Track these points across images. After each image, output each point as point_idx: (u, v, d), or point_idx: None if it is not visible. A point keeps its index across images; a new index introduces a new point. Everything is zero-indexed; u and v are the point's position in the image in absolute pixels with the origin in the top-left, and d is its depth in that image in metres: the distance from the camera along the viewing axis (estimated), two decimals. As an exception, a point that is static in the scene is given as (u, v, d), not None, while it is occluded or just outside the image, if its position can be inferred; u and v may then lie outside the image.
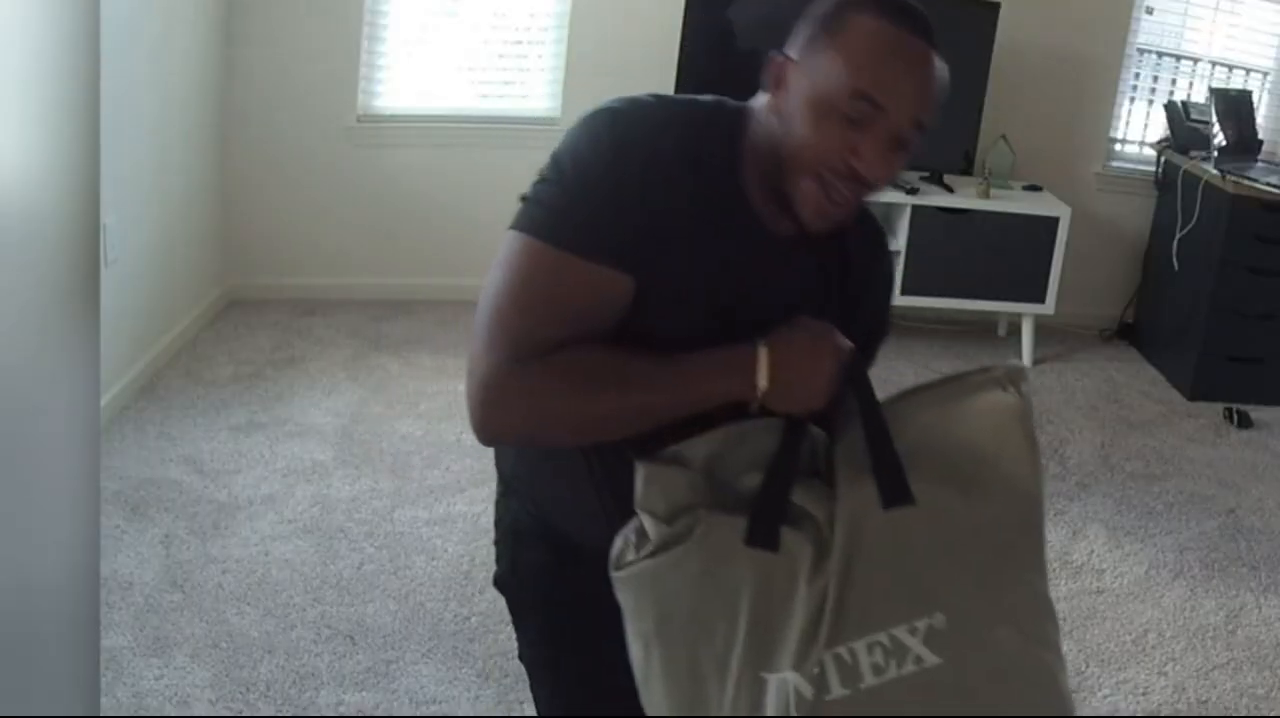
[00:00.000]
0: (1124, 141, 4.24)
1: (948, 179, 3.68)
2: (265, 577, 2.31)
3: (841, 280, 1.26)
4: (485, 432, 1.18)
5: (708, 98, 1.28)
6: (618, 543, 1.13)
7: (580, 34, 3.80)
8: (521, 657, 1.39)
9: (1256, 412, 3.54)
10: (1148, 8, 4.07)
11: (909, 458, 1.10)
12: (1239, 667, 2.27)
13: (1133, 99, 4.21)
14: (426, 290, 3.98)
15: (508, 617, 2.30)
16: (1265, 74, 4.22)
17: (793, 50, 1.17)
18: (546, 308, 1.14)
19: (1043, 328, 3.90)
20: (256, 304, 3.82)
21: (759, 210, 1.19)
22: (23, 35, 1.10)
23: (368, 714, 1.95)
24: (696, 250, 1.17)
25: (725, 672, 1.08)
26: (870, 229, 1.30)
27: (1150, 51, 4.17)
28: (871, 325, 1.30)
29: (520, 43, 3.90)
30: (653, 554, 1.11)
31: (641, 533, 1.12)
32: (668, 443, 1.14)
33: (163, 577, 2.28)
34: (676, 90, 3.57)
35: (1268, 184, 3.49)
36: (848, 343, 1.14)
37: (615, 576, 1.14)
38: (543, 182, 1.19)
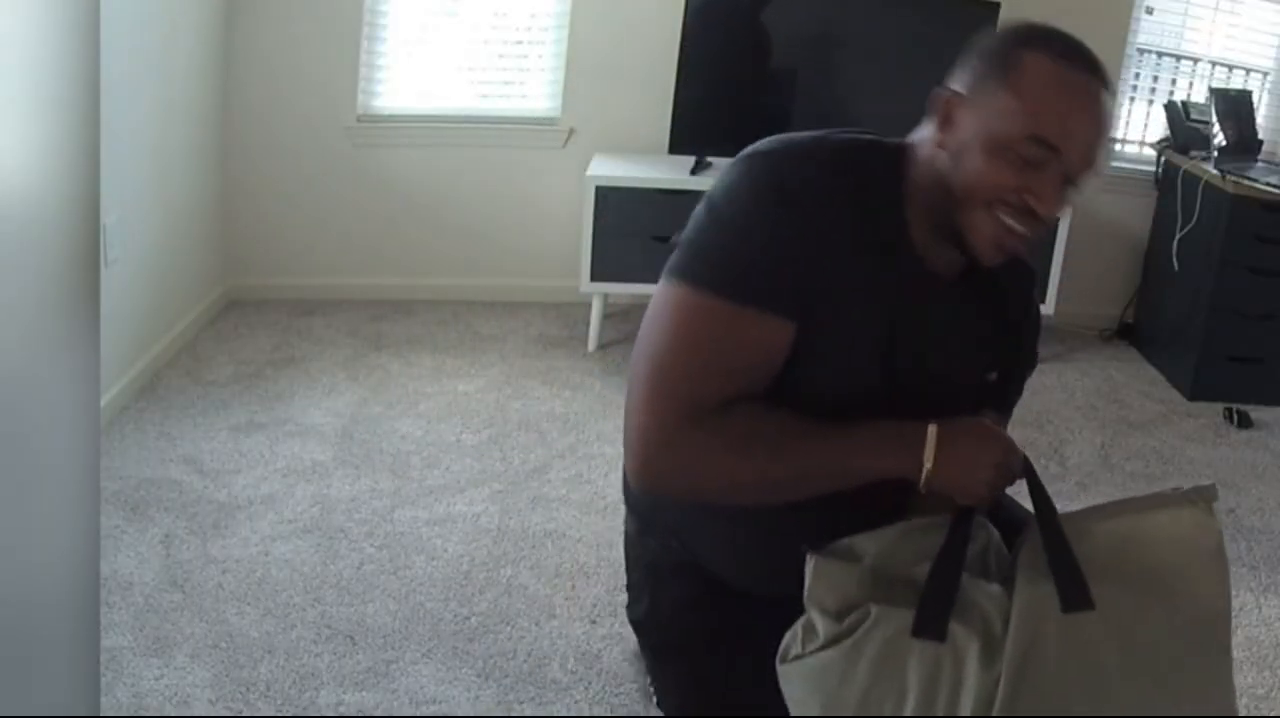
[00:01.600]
0: (1124, 141, 4.24)
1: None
2: (265, 577, 2.31)
3: (998, 318, 1.26)
4: (643, 484, 1.18)
5: (863, 134, 1.25)
6: (786, 638, 1.14)
7: (580, 34, 3.80)
8: (661, 703, 1.37)
9: (1256, 412, 3.54)
10: (1148, 8, 4.07)
11: (1091, 564, 1.09)
12: (1239, 667, 2.27)
13: (1133, 99, 4.21)
14: (426, 290, 3.98)
15: (508, 617, 2.31)
16: (1265, 74, 4.22)
17: (960, 85, 1.17)
18: (711, 362, 1.13)
19: (1042, 328, 3.90)
20: (256, 304, 3.82)
21: (921, 250, 1.20)
22: (23, 35, 1.10)
23: (368, 714, 1.95)
24: (861, 294, 1.16)
25: None
26: (1020, 265, 1.31)
27: (1150, 51, 4.17)
28: (1022, 359, 1.32)
29: (520, 43, 3.90)
30: (821, 649, 1.10)
31: (810, 627, 1.12)
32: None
33: (163, 577, 2.28)
34: (676, 91, 3.57)
35: (1268, 184, 3.49)
36: (1020, 456, 1.15)
37: (781, 668, 1.14)
38: (699, 228, 1.16)
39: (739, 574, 1.28)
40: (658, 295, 1.17)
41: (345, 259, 3.95)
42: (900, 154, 1.22)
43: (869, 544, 1.13)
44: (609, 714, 2.00)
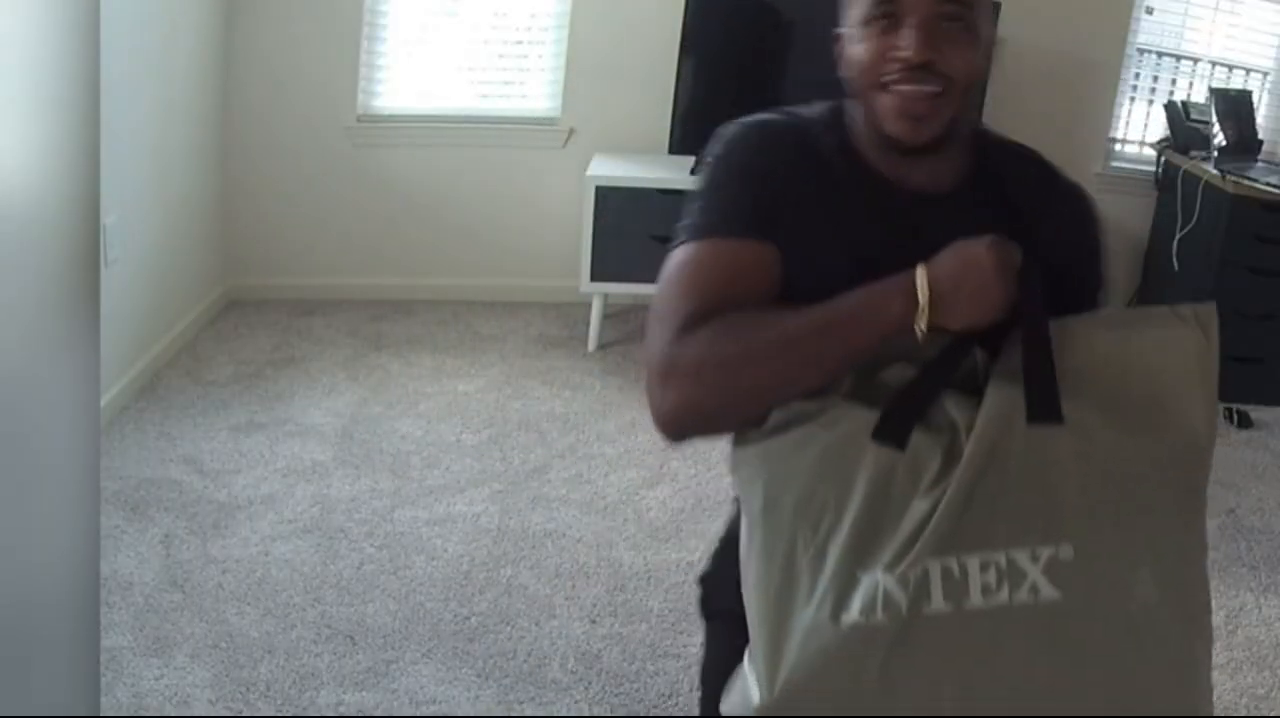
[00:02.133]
0: (1124, 141, 4.24)
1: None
2: (265, 577, 2.31)
3: (1012, 229, 1.16)
4: (663, 418, 1.16)
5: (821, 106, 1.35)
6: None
7: (580, 34, 3.80)
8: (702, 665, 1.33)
9: (1256, 412, 3.54)
10: (1148, 8, 4.07)
11: (1069, 378, 1.03)
12: (1239, 667, 2.27)
13: (1133, 99, 4.21)
14: (426, 290, 3.98)
15: (508, 617, 2.32)
16: (1265, 74, 4.22)
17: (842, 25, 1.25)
18: (705, 289, 1.16)
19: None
20: (256, 304, 3.82)
21: (887, 173, 1.22)
22: (23, 35, 1.10)
23: (368, 714, 1.95)
24: (834, 218, 1.19)
25: (820, 564, 1.01)
26: (1041, 175, 1.29)
27: (1150, 51, 4.17)
28: (1074, 274, 1.22)
29: (520, 43, 3.90)
30: (774, 433, 1.07)
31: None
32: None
33: (163, 577, 2.28)
34: (676, 91, 3.58)
35: (1268, 184, 3.49)
36: (1016, 251, 1.08)
37: (734, 452, 1.10)
38: (696, 194, 1.26)
39: None
40: (670, 255, 1.24)
41: (345, 259, 3.95)
42: (837, 103, 1.31)
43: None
44: (609, 714, 2.00)
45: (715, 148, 1.29)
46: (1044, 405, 1.01)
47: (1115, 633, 0.98)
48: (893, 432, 1.02)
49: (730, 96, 3.72)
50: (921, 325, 1.05)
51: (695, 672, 2.12)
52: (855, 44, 1.20)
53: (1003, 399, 1.01)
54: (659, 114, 3.63)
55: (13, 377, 1.14)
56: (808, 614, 1.01)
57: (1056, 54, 3.94)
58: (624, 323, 3.88)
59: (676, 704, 2.03)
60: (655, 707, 2.03)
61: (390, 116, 3.86)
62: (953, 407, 1.03)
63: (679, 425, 1.16)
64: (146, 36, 3.06)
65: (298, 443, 2.89)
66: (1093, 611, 0.98)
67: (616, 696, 2.04)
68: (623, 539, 2.55)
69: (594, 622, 2.24)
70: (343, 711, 1.95)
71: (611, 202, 3.50)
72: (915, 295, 1.06)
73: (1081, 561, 0.98)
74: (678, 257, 1.19)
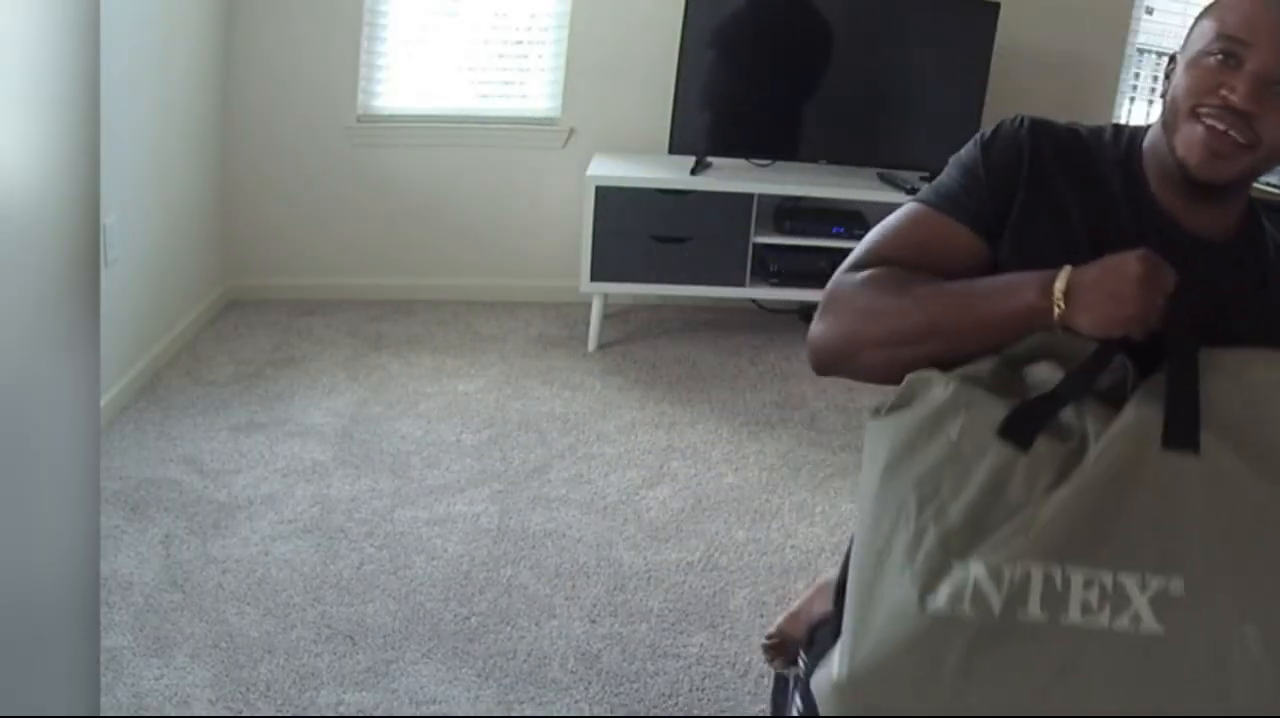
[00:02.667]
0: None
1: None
2: (265, 577, 2.31)
3: (1259, 288, 1.19)
4: (812, 342, 1.22)
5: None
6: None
7: (580, 34, 3.80)
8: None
9: None
10: (1148, 8, 4.07)
11: (1214, 410, 0.99)
12: None
13: (1133, 99, 4.21)
14: (426, 290, 3.98)
15: (508, 617, 2.32)
16: (1265, 74, 4.22)
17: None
18: (893, 241, 1.23)
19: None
20: (256, 304, 3.82)
21: (1170, 209, 1.20)
22: (23, 35, 1.10)
23: (368, 714, 1.95)
24: (1098, 231, 1.17)
25: (920, 542, 0.99)
26: None
27: (1150, 51, 4.17)
28: None
29: (520, 43, 3.90)
30: (909, 406, 1.06)
31: (906, 390, 1.09)
32: None
33: (163, 577, 2.28)
34: (676, 91, 3.57)
35: (1268, 184, 3.49)
36: (1172, 273, 1.04)
37: (869, 423, 1.09)
38: (947, 166, 1.28)
39: None
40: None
41: (345, 259, 3.94)
42: (1139, 130, 1.28)
43: (1020, 343, 1.10)
44: (609, 714, 2.00)
45: (985, 130, 1.27)
46: (1181, 431, 0.97)
47: (1210, 682, 0.94)
48: (1019, 431, 1.00)
49: (731, 96, 3.72)
50: (1055, 318, 1.04)
51: (695, 672, 2.12)
52: (1187, 71, 1.18)
53: (1140, 417, 0.98)
54: (659, 114, 3.63)
55: (13, 377, 1.14)
56: (897, 590, 0.99)
57: (1056, 54, 3.94)
58: (624, 323, 3.89)
59: (676, 704, 2.03)
60: (655, 707, 2.03)
61: (390, 116, 3.86)
62: (1090, 417, 1.00)
63: (818, 355, 1.23)
64: (146, 36, 3.06)
65: (298, 443, 2.89)
66: (1192, 653, 0.93)
67: (616, 696, 2.04)
68: (623, 539, 2.55)
69: (594, 622, 2.24)
70: (343, 711, 1.95)
71: (611, 201, 3.50)
72: (1053, 287, 1.05)
73: (1191, 598, 0.94)
74: (900, 211, 1.26)
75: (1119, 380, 1.05)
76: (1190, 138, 1.14)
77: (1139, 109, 4.24)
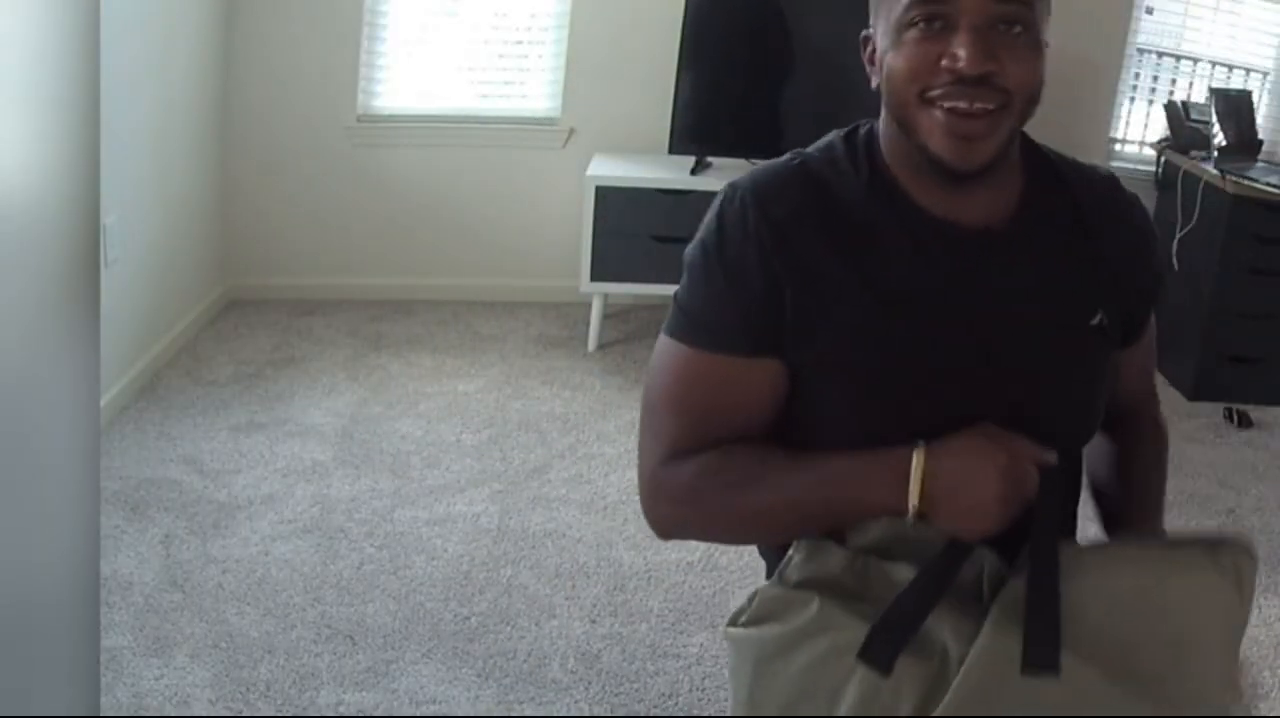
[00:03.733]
0: (1124, 141, 4.24)
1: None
2: (265, 577, 2.31)
3: (1080, 256, 1.10)
4: (653, 527, 1.17)
5: (837, 132, 1.16)
6: (746, 599, 1.05)
7: (580, 34, 3.80)
8: None
9: (1256, 412, 3.54)
10: (1148, 8, 4.07)
11: (1076, 624, 0.93)
12: (1240, 667, 2.27)
13: (1133, 99, 4.21)
14: (426, 290, 3.98)
15: (508, 617, 2.32)
16: (1265, 74, 4.22)
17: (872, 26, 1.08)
18: (696, 409, 1.10)
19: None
20: (256, 304, 3.82)
21: (931, 207, 1.07)
22: (23, 35, 1.10)
23: (368, 714, 1.95)
24: (870, 272, 1.05)
25: None
26: (1103, 191, 1.16)
27: (1150, 51, 4.17)
28: (1140, 287, 1.16)
29: (520, 43, 3.90)
30: (763, 623, 1.01)
31: (764, 594, 1.03)
32: None
33: (163, 577, 2.28)
34: (676, 91, 3.57)
35: (1268, 184, 3.49)
36: (1044, 457, 0.99)
37: (727, 630, 1.06)
38: (682, 279, 1.13)
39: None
40: (656, 348, 1.17)
41: (345, 259, 3.94)
42: (865, 126, 1.14)
43: (869, 532, 1.03)
44: (609, 714, 2.00)
45: (710, 223, 1.14)
46: (1041, 656, 0.92)
47: None
48: (878, 654, 0.95)
49: (731, 96, 3.72)
50: (911, 524, 1.00)
51: (695, 672, 2.12)
52: (892, 50, 1.02)
53: (997, 642, 0.93)
54: (659, 114, 3.63)
55: (13, 377, 1.14)
56: None
57: (1056, 54, 3.91)
58: (624, 323, 3.88)
59: (676, 704, 2.03)
60: (655, 707, 2.03)
61: (390, 116, 3.86)
62: (948, 631, 0.95)
63: (667, 537, 1.19)
64: (146, 36, 3.06)
65: (298, 443, 2.89)
66: None
67: (616, 696, 2.04)
68: (623, 539, 2.55)
69: (594, 622, 2.24)
70: (343, 711, 1.95)
71: (611, 201, 3.50)
72: (907, 490, 0.98)
73: None
74: (669, 355, 1.11)
75: (978, 572, 1.00)
76: (932, 128, 1.01)
77: (1139, 109, 4.24)
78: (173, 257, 3.39)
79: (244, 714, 1.92)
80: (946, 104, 1.00)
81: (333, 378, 3.31)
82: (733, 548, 2.52)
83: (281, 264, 3.91)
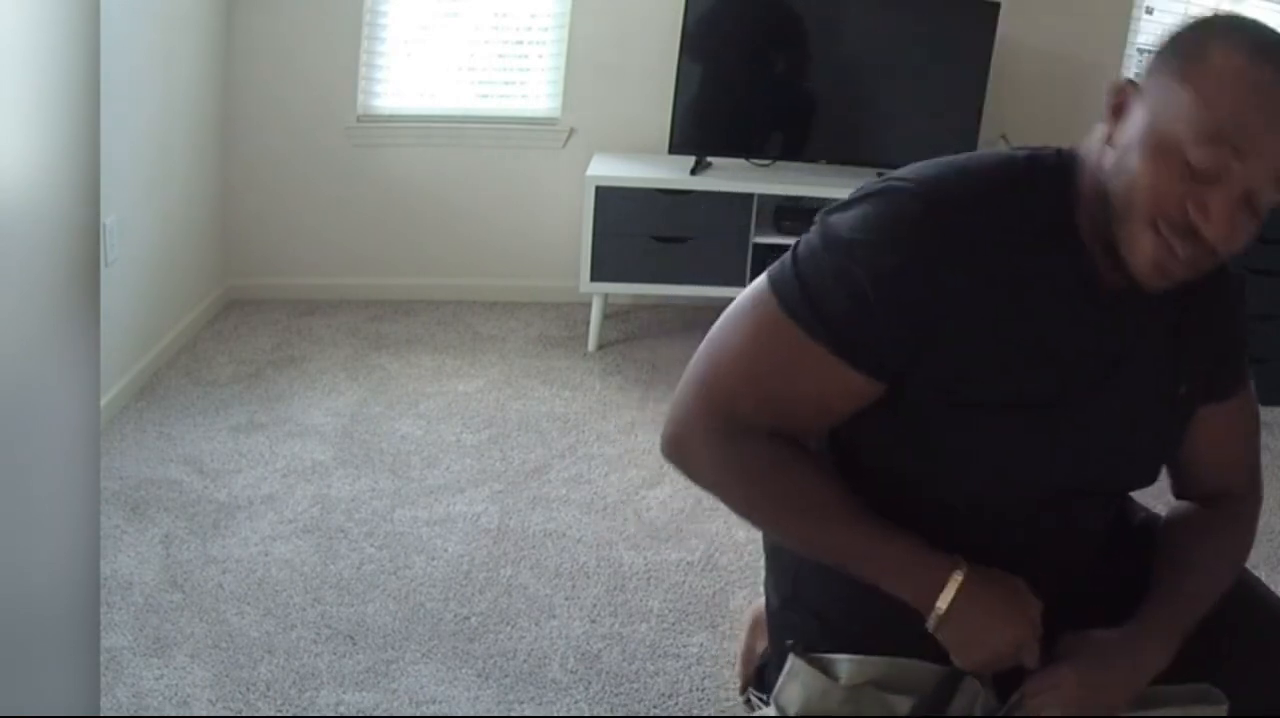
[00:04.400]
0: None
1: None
2: (265, 577, 2.31)
3: (1174, 338, 1.13)
4: (668, 459, 1.16)
5: (1018, 150, 1.12)
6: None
7: (580, 34, 3.80)
8: None
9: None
10: (1148, 8, 4.07)
11: None
12: None
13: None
14: (426, 290, 3.98)
15: (508, 617, 2.31)
16: (1265, 74, 4.22)
17: (1141, 75, 1.03)
18: (772, 386, 1.09)
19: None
20: (256, 304, 3.82)
21: (1094, 260, 1.07)
22: (23, 35, 1.10)
23: (368, 714, 1.95)
24: (1021, 316, 1.06)
25: None
26: (1224, 282, 1.16)
27: (1150, 51, 4.16)
28: (1221, 361, 1.20)
29: (520, 43, 3.90)
30: None
31: None
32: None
33: (163, 577, 2.28)
34: (676, 91, 3.57)
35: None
36: (1031, 656, 1.06)
37: None
38: (811, 250, 1.08)
39: (885, 645, 1.21)
40: (753, 289, 1.13)
41: (345, 259, 3.94)
42: (1064, 160, 1.09)
43: (861, 668, 1.08)
44: (609, 714, 2.00)
45: (872, 215, 1.06)
46: None
47: None
48: None
49: (731, 96, 3.72)
50: (930, 628, 1.07)
51: (695, 672, 2.12)
52: (1146, 153, 0.97)
53: None
54: (659, 114, 3.63)
55: (13, 377, 1.14)
56: None
57: (1056, 54, 3.94)
58: (624, 323, 3.88)
59: (676, 704, 2.03)
60: (655, 707, 2.03)
61: (390, 116, 3.86)
62: None
63: (668, 458, 1.17)
64: (146, 36, 3.06)
65: (298, 443, 2.89)
66: None
67: (616, 696, 2.04)
68: (623, 539, 2.55)
69: (594, 622, 2.24)
70: (343, 711, 1.95)
71: (611, 201, 3.50)
72: (935, 601, 1.05)
73: None
74: (768, 319, 1.08)
75: (970, 704, 1.07)
76: (1144, 249, 1.00)
77: (1139, 109, 4.23)
78: (173, 256, 3.39)
79: (244, 714, 1.92)
80: (1167, 237, 0.98)
81: (333, 378, 3.31)
82: (733, 548, 2.52)
83: (281, 264, 3.90)
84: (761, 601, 1.42)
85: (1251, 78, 0.94)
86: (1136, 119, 1.01)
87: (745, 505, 1.15)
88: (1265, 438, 3.41)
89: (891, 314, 1.04)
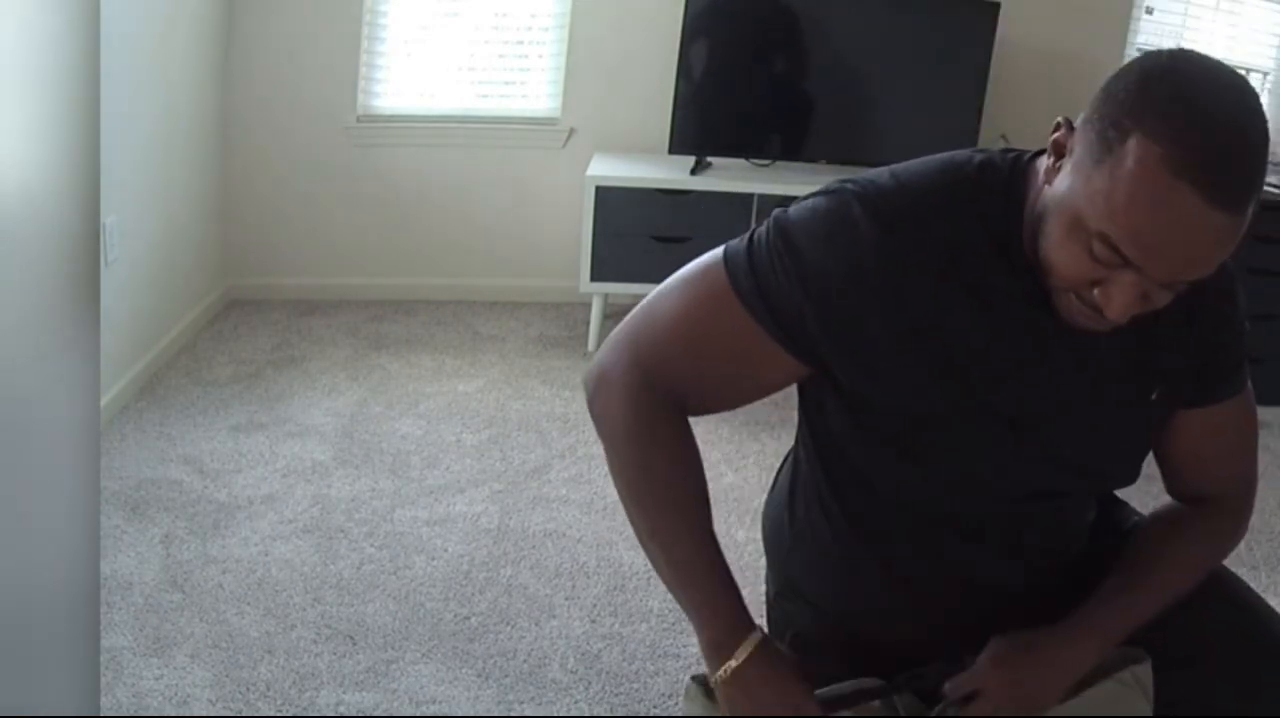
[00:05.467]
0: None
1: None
2: (265, 577, 2.31)
3: (1144, 341, 1.12)
4: (586, 391, 1.21)
5: (977, 155, 1.12)
6: None
7: (580, 34, 3.80)
8: None
9: (1257, 412, 3.54)
10: (1148, 8, 4.07)
11: None
12: None
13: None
14: (426, 290, 3.98)
15: (508, 617, 2.31)
16: (1265, 74, 4.22)
17: (1084, 117, 1.01)
18: (705, 352, 1.13)
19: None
20: (256, 304, 3.82)
21: (1040, 286, 1.07)
22: (23, 36, 1.10)
23: (368, 714, 1.95)
24: (941, 328, 1.07)
25: None
26: (1212, 284, 1.10)
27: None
28: (1213, 370, 1.19)
29: (520, 43, 3.90)
30: None
31: None
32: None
33: (163, 577, 2.28)
34: (676, 91, 3.57)
35: (1268, 184, 3.49)
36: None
37: None
38: (769, 235, 1.11)
39: (884, 631, 1.24)
40: (706, 259, 1.16)
41: (345, 259, 3.95)
42: (1016, 173, 1.10)
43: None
44: (609, 714, 2.00)
45: (818, 213, 1.09)
46: None
47: None
48: None
49: (730, 96, 3.72)
50: (715, 680, 1.12)
51: (695, 672, 2.12)
52: (1061, 226, 0.97)
53: None
54: (659, 114, 3.63)
55: (13, 377, 1.14)
56: None
57: (1056, 54, 3.94)
58: (624, 323, 3.88)
59: (676, 704, 2.03)
60: (655, 707, 2.02)
61: (390, 116, 3.86)
62: None
63: (588, 399, 1.22)
64: (146, 36, 3.06)
65: (298, 443, 2.89)
66: None
67: (616, 696, 2.04)
68: (623, 539, 2.55)
69: (594, 622, 2.24)
70: (343, 711, 1.95)
71: (611, 201, 3.50)
72: (720, 665, 1.11)
73: None
74: (718, 289, 1.11)
75: (893, 712, 1.13)
76: (1064, 305, 1.03)
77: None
78: (173, 257, 3.39)
79: (244, 715, 1.92)
80: (1086, 307, 1.00)
81: (333, 378, 3.31)
82: (733, 548, 2.52)
83: (281, 264, 3.91)
84: (763, 589, 1.44)
85: (1158, 183, 0.90)
86: (1064, 176, 1.00)
87: (620, 465, 1.17)
88: (1265, 438, 3.41)
89: (824, 310, 1.07)
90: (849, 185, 1.10)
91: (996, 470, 1.15)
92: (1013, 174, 1.09)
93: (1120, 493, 1.37)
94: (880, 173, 1.11)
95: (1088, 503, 1.31)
